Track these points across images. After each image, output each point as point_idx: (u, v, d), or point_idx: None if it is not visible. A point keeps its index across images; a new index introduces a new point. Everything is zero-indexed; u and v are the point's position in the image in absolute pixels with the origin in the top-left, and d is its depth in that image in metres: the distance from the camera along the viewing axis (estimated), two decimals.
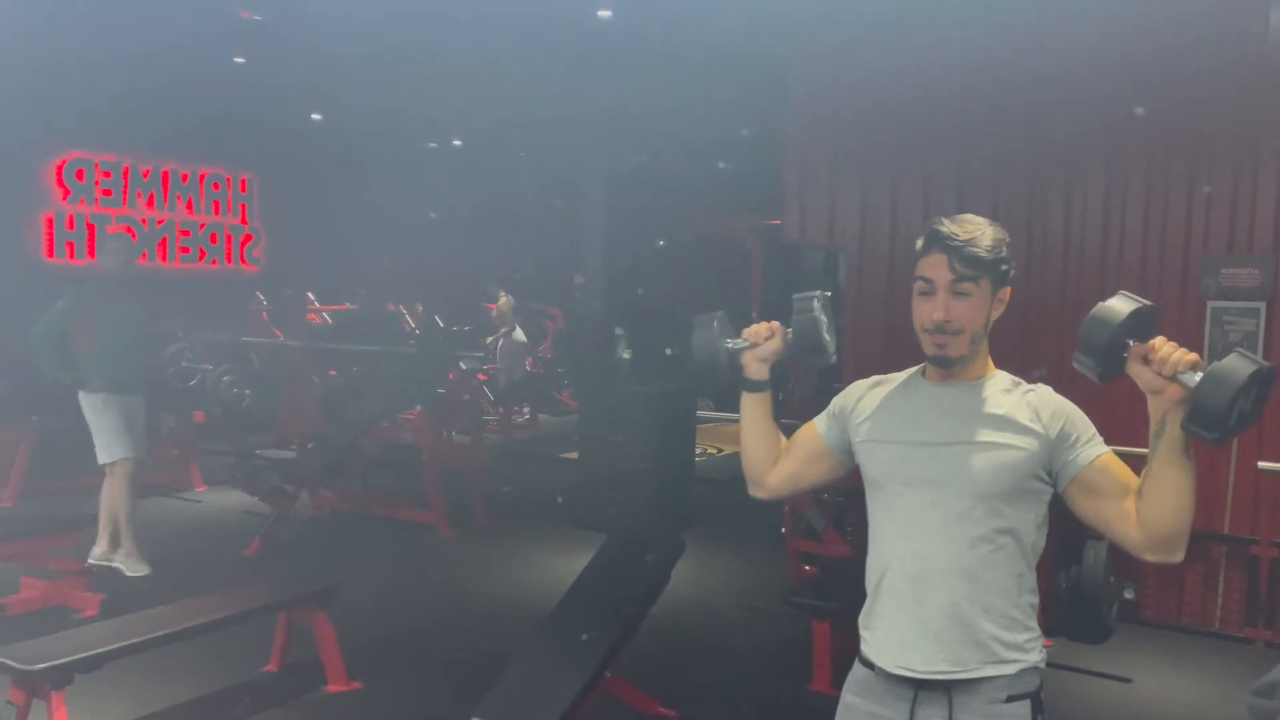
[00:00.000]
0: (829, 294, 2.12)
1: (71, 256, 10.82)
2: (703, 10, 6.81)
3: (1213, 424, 1.65)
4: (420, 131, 12.52)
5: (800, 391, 8.30)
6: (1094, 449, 1.85)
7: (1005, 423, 1.87)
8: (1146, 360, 1.74)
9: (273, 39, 7.92)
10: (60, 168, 10.75)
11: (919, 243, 1.92)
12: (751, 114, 9.64)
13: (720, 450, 10.03)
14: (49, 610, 5.05)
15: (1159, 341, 1.74)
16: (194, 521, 6.77)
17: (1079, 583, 5.01)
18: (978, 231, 1.87)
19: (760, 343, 2.09)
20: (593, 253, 10.10)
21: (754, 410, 2.15)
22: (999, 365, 2.00)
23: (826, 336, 2.07)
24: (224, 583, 5.52)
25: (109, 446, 5.66)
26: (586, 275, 10.42)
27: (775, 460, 2.16)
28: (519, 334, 12.47)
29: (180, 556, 5.98)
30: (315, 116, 11.31)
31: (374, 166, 13.35)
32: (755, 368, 2.11)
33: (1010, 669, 1.87)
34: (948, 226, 1.87)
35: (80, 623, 4.56)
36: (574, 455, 7.95)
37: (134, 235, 11.17)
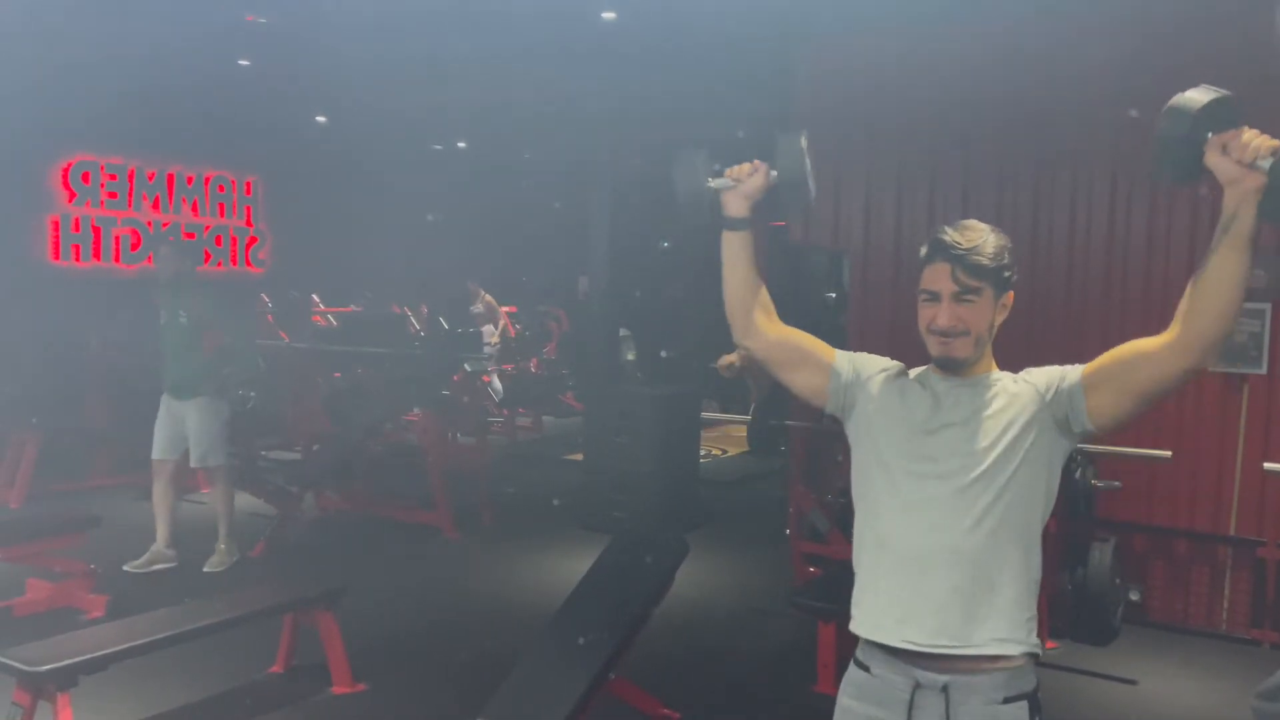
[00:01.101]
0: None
1: (77, 259, 10.84)
2: (706, 12, 6.80)
3: None
4: (425, 134, 12.53)
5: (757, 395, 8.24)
6: (1078, 368, 1.92)
7: (1008, 400, 1.93)
8: (1225, 150, 1.72)
9: (278, 41, 7.93)
10: (66, 170, 10.77)
11: (923, 250, 1.96)
12: (756, 115, 9.63)
13: (725, 452, 10.03)
14: (55, 612, 5.06)
15: (1243, 129, 1.71)
16: (199, 522, 6.77)
17: (1084, 584, 5.00)
18: (980, 239, 1.91)
19: (744, 179, 2.10)
20: (597, 254, 10.11)
21: (737, 249, 2.14)
22: (1004, 365, 2.04)
23: (809, 174, 2.06)
24: (229, 584, 5.54)
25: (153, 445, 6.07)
26: (590, 277, 10.43)
27: (756, 302, 2.14)
28: (493, 335, 12.56)
29: (185, 557, 5.99)
30: (320, 119, 11.33)
31: (379, 169, 13.37)
32: (737, 204, 2.11)
33: (1011, 649, 1.87)
34: (950, 235, 1.91)
35: (86, 624, 4.57)
36: (578, 457, 7.96)
37: (139, 237, 11.26)
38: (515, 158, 13.76)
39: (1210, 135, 1.71)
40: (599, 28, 7.37)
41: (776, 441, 8.15)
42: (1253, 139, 1.69)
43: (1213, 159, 1.73)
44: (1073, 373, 1.91)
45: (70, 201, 10.82)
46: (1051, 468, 1.93)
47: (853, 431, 2.07)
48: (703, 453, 8.35)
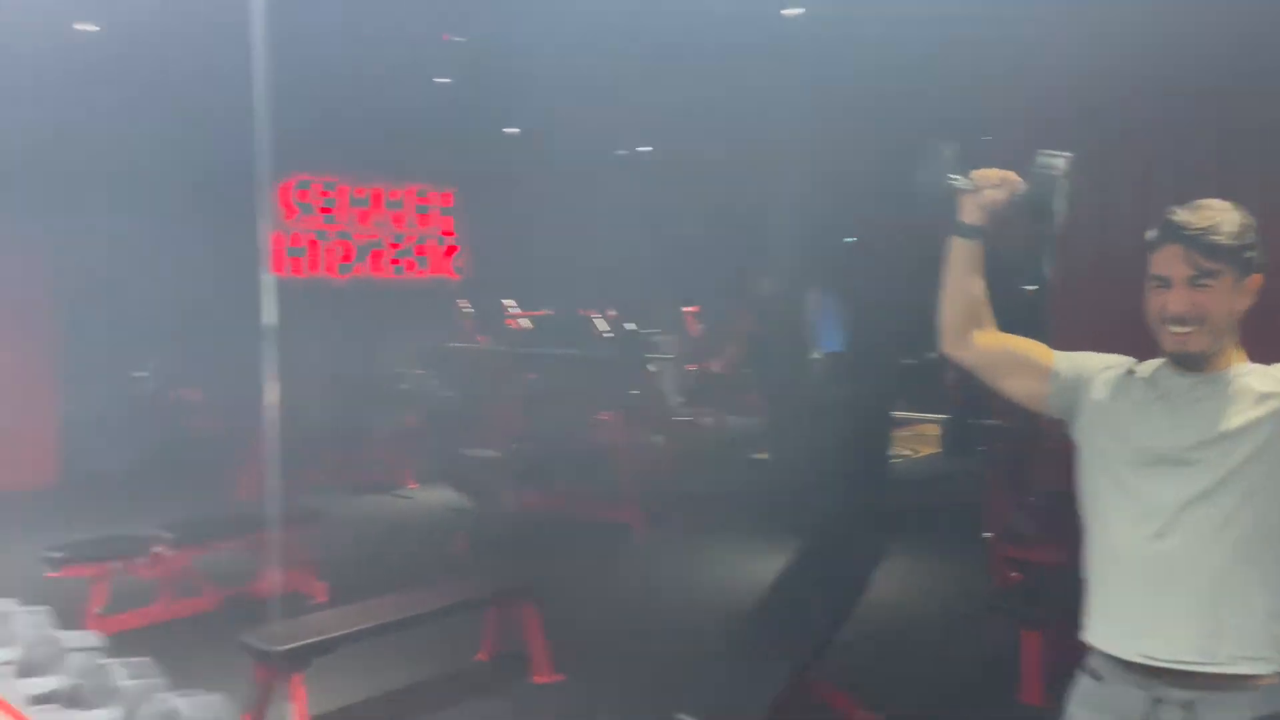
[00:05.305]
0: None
1: (296, 271, 11.71)
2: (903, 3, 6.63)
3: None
4: (609, 140, 12.79)
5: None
6: None
7: (1257, 399, 1.74)
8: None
9: (472, 59, 8.31)
10: (287, 189, 11.65)
11: (1152, 234, 1.79)
12: (952, 116, 9.32)
13: (916, 452, 9.76)
14: (284, 597, 5.45)
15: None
16: (407, 517, 7.17)
17: None
18: (1217, 218, 1.73)
19: (986, 187, 1.97)
20: (781, 252, 10.04)
21: (963, 258, 2.01)
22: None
23: (1060, 202, 1.91)
24: (434, 575, 5.84)
25: None
26: (775, 276, 10.36)
27: (974, 319, 2.02)
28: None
29: (395, 550, 6.32)
30: (511, 130, 11.75)
31: (567, 177, 13.75)
32: (972, 212, 1.99)
33: (1263, 668, 1.72)
34: (1182, 215, 1.75)
35: (312, 609, 4.92)
36: (764, 456, 7.94)
37: (349, 250, 12.04)
38: (698, 159, 13.85)
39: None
40: (781, 24, 7.33)
41: (972, 441, 7.87)
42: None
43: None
44: None
45: (291, 218, 11.69)
46: None
47: (1078, 436, 1.92)
48: (896, 453, 8.15)
